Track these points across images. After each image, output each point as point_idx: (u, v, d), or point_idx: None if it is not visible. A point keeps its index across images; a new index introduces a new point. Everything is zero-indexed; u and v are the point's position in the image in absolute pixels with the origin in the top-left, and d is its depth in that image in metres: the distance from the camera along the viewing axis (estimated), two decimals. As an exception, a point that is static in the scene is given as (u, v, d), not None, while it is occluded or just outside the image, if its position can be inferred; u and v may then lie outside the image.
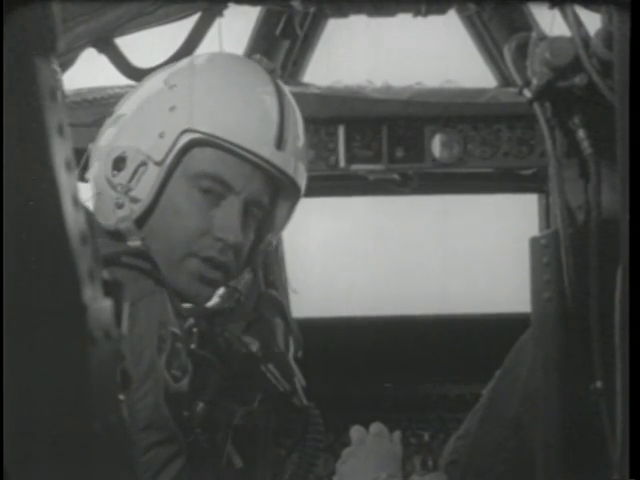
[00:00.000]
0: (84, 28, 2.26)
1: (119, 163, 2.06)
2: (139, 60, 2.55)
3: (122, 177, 2.05)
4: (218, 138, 2.05)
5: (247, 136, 2.06)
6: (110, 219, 2.07)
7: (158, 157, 2.04)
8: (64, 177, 1.11)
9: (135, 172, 2.04)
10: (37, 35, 1.11)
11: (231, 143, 2.05)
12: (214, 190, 2.06)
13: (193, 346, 2.06)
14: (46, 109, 1.10)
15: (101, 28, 2.35)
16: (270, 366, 2.15)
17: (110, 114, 2.17)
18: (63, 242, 1.10)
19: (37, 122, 1.09)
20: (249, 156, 2.06)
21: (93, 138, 2.17)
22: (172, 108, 2.06)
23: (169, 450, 1.90)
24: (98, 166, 2.11)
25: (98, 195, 2.10)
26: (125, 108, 2.13)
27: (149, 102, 2.10)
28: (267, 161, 2.08)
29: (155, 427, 1.87)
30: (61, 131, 1.12)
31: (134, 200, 2.05)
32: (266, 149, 2.08)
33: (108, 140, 2.11)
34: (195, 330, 2.10)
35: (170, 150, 2.04)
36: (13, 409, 1.08)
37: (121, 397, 1.21)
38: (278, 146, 2.10)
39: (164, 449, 1.89)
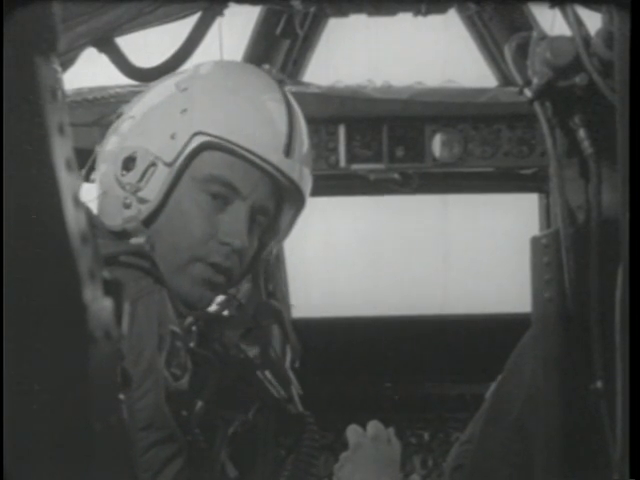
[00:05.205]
0: (84, 28, 2.26)
1: (128, 163, 2.05)
2: (139, 59, 2.55)
3: (131, 177, 2.05)
4: (229, 142, 2.04)
5: (257, 142, 2.06)
6: (116, 219, 2.06)
7: (168, 158, 2.04)
8: (65, 177, 1.11)
9: (145, 172, 2.04)
10: (37, 35, 1.11)
11: (241, 147, 2.05)
12: (222, 194, 2.06)
13: (192, 344, 2.06)
14: (46, 109, 1.10)
15: (101, 28, 2.35)
16: (266, 373, 2.15)
17: (119, 115, 2.15)
18: (63, 242, 1.10)
19: (37, 122, 1.09)
20: (258, 162, 2.06)
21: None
22: (184, 111, 2.05)
23: (169, 449, 1.89)
24: (106, 167, 2.10)
25: (104, 195, 2.09)
26: (135, 111, 2.13)
27: (160, 104, 2.09)
28: (276, 168, 2.08)
29: (156, 426, 1.87)
30: (62, 131, 1.12)
31: (142, 201, 2.05)
32: (275, 156, 2.08)
33: (117, 142, 2.10)
34: (194, 329, 2.09)
35: (181, 152, 2.03)
36: (13, 409, 1.08)
37: (121, 397, 1.21)
38: (287, 153, 2.10)
39: (165, 448, 1.88)
